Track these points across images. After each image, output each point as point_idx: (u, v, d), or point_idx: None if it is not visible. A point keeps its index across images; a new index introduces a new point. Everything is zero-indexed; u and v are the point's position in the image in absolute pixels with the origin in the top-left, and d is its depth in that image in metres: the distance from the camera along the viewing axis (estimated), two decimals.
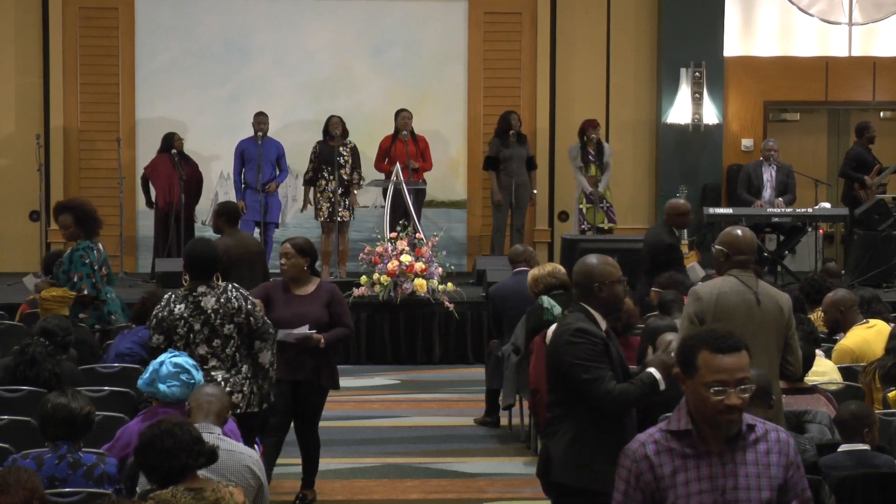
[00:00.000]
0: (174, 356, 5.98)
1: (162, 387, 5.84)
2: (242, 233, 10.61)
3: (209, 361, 6.52)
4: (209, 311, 6.54)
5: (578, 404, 5.11)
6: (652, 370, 5.10)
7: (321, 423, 9.16)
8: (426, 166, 13.73)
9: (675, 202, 11.23)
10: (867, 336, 7.85)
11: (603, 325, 5.22)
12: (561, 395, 5.17)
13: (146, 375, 5.92)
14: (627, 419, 5.21)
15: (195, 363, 6.05)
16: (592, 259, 5.32)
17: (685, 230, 11.73)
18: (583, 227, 13.94)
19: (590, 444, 5.09)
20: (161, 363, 5.90)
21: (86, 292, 8.97)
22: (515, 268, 9.75)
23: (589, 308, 5.22)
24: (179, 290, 6.62)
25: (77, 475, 5.24)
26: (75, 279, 8.93)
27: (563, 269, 8.59)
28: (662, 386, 5.09)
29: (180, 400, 5.83)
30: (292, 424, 7.67)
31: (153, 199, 13.84)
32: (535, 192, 14.12)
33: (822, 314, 8.43)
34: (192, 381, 5.87)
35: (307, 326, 7.35)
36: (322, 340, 7.40)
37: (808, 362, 6.59)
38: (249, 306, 6.65)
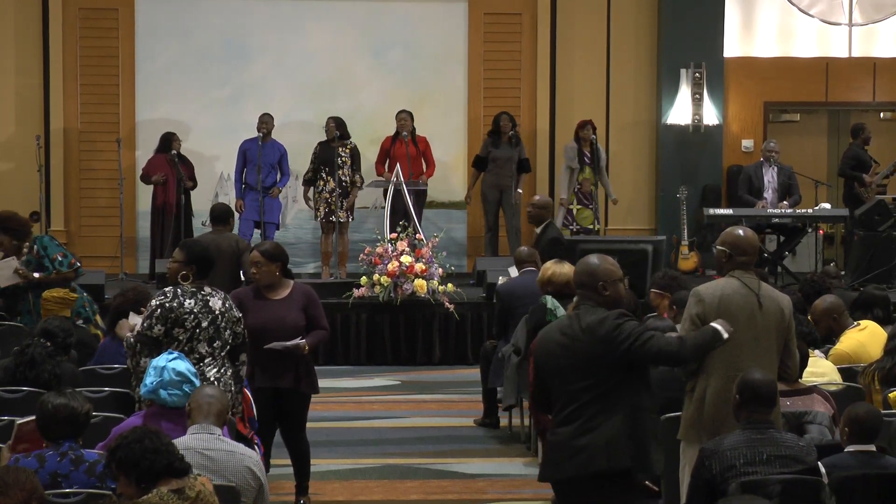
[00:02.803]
0: (173, 359, 5.98)
1: (163, 393, 5.87)
2: (227, 234, 10.65)
3: (205, 360, 6.55)
4: (217, 312, 6.59)
5: (628, 388, 5.31)
6: (715, 324, 5.58)
7: (322, 424, 9.16)
8: (428, 173, 13.70)
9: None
10: (860, 339, 7.83)
11: None
12: (608, 383, 5.29)
13: (150, 381, 5.91)
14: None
15: (195, 371, 6.07)
16: (594, 259, 5.54)
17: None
18: (570, 227, 13.89)
19: (642, 429, 5.32)
20: (164, 368, 5.90)
21: (79, 265, 9.14)
22: (522, 268, 9.78)
23: (595, 306, 5.41)
24: (185, 287, 6.62)
25: (79, 471, 5.25)
26: (59, 258, 9.02)
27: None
28: (726, 335, 5.54)
29: (177, 407, 5.85)
30: (279, 432, 7.67)
31: (153, 196, 13.85)
32: (519, 191, 14.00)
33: (814, 323, 8.10)
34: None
35: (300, 338, 7.36)
36: (307, 347, 7.41)
37: (803, 361, 6.59)
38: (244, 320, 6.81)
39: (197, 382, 5.96)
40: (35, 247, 9.13)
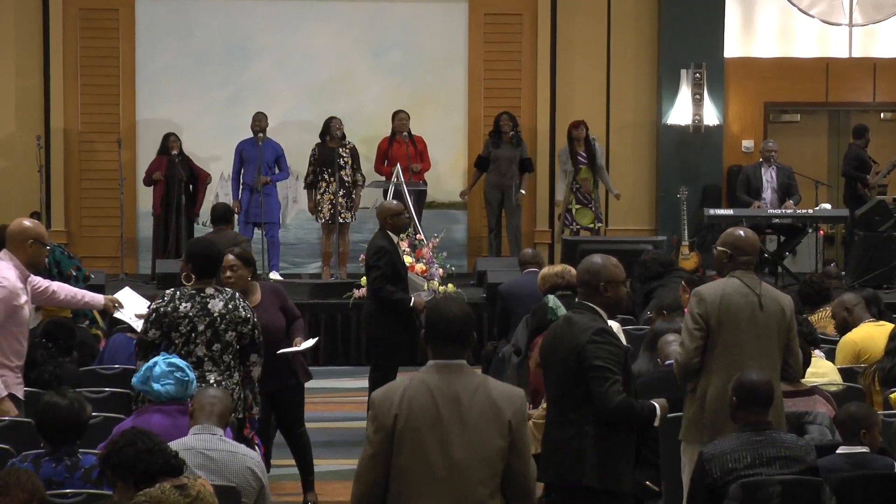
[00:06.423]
0: (167, 357, 5.97)
1: (156, 386, 5.82)
2: (227, 232, 10.64)
3: (205, 364, 6.43)
4: (216, 315, 6.44)
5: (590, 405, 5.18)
6: (657, 404, 5.28)
7: (322, 424, 9.14)
8: (425, 167, 13.75)
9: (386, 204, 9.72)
10: (874, 333, 7.77)
11: (608, 324, 5.34)
12: (581, 396, 5.20)
13: (140, 373, 5.91)
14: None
15: (188, 363, 6.03)
16: (598, 259, 5.48)
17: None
18: (570, 226, 13.83)
19: (611, 446, 5.19)
20: (155, 363, 5.89)
21: (91, 277, 9.10)
22: (525, 269, 9.78)
23: (595, 307, 5.36)
24: (185, 288, 6.54)
25: (74, 478, 5.20)
26: (73, 272, 8.94)
27: (572, 271, 8.44)
28: (657, 423, 5.30)
29: (174, 398, 5.81)
30: (280, 431, 7.71)
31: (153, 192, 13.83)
32: (522, 192, 14.01)
33: (832, 317, 8.40)
34: (187, 379, 5.86)
35: (311, 340, 7.43)
36: (302, 345, 7.47)
37: (805, 361, 6.60)
38: (256, 319, 6.59)
39: (190, 372, 5.90)
40: (46, 261, 8.90)
